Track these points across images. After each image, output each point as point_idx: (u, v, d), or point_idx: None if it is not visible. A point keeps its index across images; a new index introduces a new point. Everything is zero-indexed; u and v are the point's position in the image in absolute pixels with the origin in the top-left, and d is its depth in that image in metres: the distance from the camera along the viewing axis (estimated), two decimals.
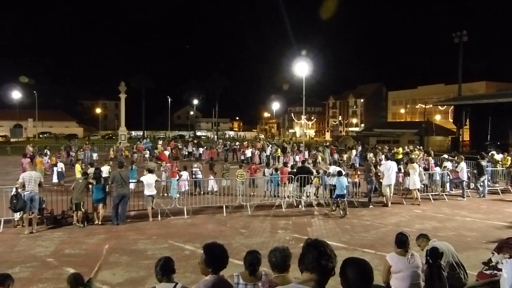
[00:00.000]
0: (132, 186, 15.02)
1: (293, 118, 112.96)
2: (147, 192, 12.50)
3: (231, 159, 30.77)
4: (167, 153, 27.94)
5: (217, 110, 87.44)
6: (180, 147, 36.06)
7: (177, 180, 15.28)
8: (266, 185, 16.17)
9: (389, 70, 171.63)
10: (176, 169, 16.42)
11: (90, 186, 12.10)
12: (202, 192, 15.65)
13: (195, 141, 37.56)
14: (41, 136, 74.37)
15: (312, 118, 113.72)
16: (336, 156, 27.46)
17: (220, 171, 17.08)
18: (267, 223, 11.93)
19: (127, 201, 11.90)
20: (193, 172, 16.85)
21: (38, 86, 79.60)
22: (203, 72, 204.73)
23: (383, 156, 21.69)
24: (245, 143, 36.96)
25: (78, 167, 17.25)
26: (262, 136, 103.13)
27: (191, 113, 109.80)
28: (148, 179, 12.63)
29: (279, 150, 30.02)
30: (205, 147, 35.10)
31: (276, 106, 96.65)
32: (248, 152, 30.01)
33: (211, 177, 16.67)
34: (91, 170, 15.21)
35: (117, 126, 57.22)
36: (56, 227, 11.23)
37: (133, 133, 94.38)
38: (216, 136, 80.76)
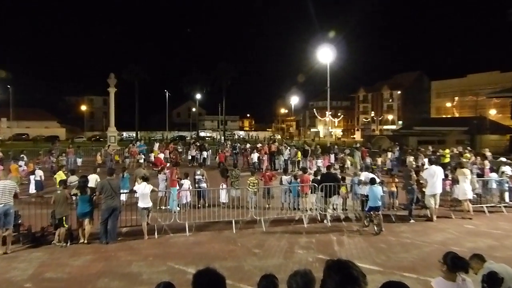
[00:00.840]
0: (123, 197, 15.13)
1: (316, 114, 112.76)
2: (141, 204, 12.60)
3: (242, 165, 30.86)
4: (162, 156, 28.31)
5: (224, 106, 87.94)
6: (180, 150, 36.25)
7: (177, 190, 15.37)
8: (283, 196, 16.19)
9: (431, 55, 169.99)
10: (176, 177, 16.53)
11: (74, 197, 12.21)
12: (207, 205, 15.74)
13: (198, 143, 37.72)
14: (19, 137, 75.55)
15: (339, 114, 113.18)
16: (368, 160, 27.33)
17: (229, 179, 17.16)
18: (285, 241, 11.91)
19: (118, 215, 12.00)
20: (196, 180, 16.92)
21: (14, 80, 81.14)
22: (207, 62, 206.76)
23: (426, 160, 21.47)
24: (259, 145, 36.95)
25: (61, 175, 17.40)
26: (278, 136, 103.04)
27: (194, 109, 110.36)
28: (143, 188, 12.73)
29: (299, 153, 29.96)
30: (210, 150, 35.25)
31: (294, 100, 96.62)
32: (254, 157, 29.94)
33: (223, 185, 16.78)
34: (72, 179, 15.36)
35: (106, 126, 57.71)
36: (34, 247, 11.36)
37: (125, 134, 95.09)
38: (223, 137, 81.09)
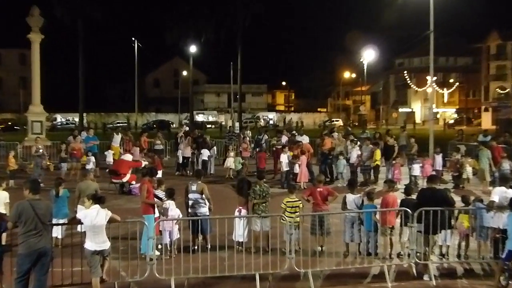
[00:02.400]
0: (58, 232, 15.23)
1: (407, 82, 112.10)
2: (90, 245, 12.61)
3: (271, 173, 30.88)
4: (129, 157, 28.25)
5: (240, 68, 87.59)
6: (160, 147, 36.29)
7: (156, 219, 15.39)
8: (349, 231, 16.17)
9: None
10: (152, 196, 16.57)
11: None
12: (209, 246, 15.79)
13: (193, 135, 37.67)
14: None
15: (451, 81, 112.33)
16: (507, 165, 27.06)
17: (250, 199, 17.06)
18: None
19: (48, 264, 12.08)
20: (190, 202, 16.91)
21: None
22: None
23: None
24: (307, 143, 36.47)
25: None
26: (338, 121, 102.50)
27: (184, 74, 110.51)
28: (93, 217, 12.74)
29: (377, 152, 29.74)
30: (215, 147, 35.18)
31: (368, 56, 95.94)
32: (284, 160, 29.26)
33: (241, 211, 16.79)
34: None
35: (25, 104, 58.38)
36: None
37: (60, 118, 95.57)
38: (237, 124, 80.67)
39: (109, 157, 32.49)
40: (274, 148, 34.83)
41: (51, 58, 46.94)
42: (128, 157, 28.82)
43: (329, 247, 16.19)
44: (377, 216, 15.50)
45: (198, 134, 38.42)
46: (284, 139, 35.81)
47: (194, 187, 17.13)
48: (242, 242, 15.64)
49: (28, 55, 47.57)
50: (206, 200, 17.00)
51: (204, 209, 16.81)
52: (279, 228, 15.56)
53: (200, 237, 16.09)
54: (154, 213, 16.01)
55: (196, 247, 15.52)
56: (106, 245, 12.78)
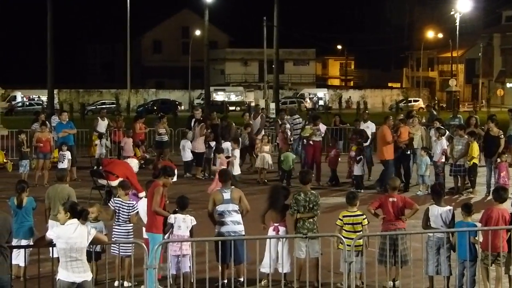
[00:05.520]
0: (19, 258, 15.39)
1: None
2: (66, 276, 12.51)
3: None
4: (135, 164, 28.28)
5: (277, 24, 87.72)
6: (164, 138, 36.49)
7: (164, 239, 15.40)
8: (433, 259, 16.02)
9: None
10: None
11: None
12: (243, 278, 15.66)
13: (212, 120, 37.86)
14: None
15: None
16: None
17: (291, 212, 16.99)
18: None
19: None
20: (219, 216, 16.86)
21: None
22: None
23: None
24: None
25: None
26: (418, 102, 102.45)
27: (197, 33, 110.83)
28: (69, 236, 12.72)
29: (473, 146, 29.67)
30: (242, 135, 35.39)
31: (462, 7, 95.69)
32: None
33: (280, 229, 16.64)
34: None
35: None
36: None
37: (20, 96, 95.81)
38: (273, 105, 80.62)
39: (101, 148, 32.60)
40: (311, 141, 34.88)
41: (8, 18, 47.81)
42: (134, 163, 28.02)
43: (406, 282, 16.20)
44: (478, 238, 15.40)
45: (220, 118, 38.50)
46: (323, 127, 35.83)
47: (226, 195, 16.99)
48: (284, 273, 15.60)
49: None
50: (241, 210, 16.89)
51: (240, 227, 16.72)
52: (333, 254, 15.51)
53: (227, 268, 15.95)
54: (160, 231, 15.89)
55: (225, 281, 15.56)
56: (87, 275, 12.75)
